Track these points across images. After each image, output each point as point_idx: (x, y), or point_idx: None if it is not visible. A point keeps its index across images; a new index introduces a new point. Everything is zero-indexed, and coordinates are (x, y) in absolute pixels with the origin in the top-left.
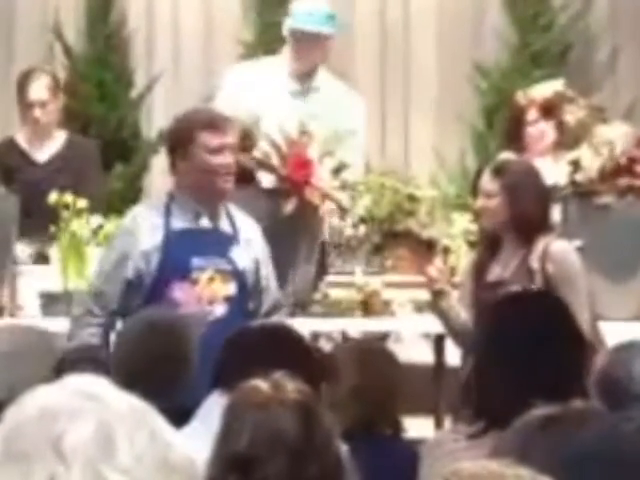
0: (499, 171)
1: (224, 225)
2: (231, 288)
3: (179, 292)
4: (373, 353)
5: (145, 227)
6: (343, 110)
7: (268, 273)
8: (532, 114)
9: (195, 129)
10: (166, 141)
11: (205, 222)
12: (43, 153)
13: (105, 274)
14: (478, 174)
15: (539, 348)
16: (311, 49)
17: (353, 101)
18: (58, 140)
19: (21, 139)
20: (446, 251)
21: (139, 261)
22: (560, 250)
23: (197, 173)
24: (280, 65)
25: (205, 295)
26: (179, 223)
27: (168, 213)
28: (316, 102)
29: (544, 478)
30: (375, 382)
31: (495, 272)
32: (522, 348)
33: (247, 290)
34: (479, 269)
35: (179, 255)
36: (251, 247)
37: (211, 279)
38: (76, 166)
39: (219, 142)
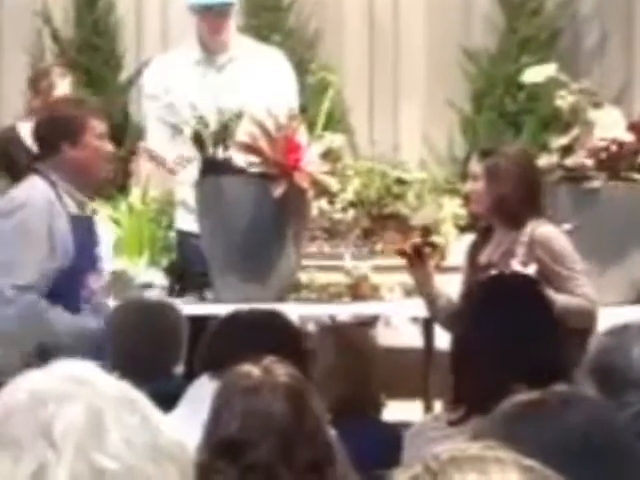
0: (486, 154)
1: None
2: None
3: (94, 282)
4: (348, 335)
5: (56, 215)
6: (265, 64)
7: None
8: None
9: (85, 116)
10: (52, 130)
11: (88, 211)
12: None
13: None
14: (468, 157)
15: (518, 332)
16: (220, 22)
17: (270, 54)
18: None
19: (23, 130)
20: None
21: (62, 250)
22: (545, 232)
23: (86, 160)
24: (192, 48)
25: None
26: (72, 211)
27: (61, 201)
28: (235, 71)
29: (527, 460)
30: (351, 362)
31: (486, 255)
32: (500, 332)
33: None
34: (473, 252)
35: (86, 244)
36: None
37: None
38: None
39: (104, 128)
